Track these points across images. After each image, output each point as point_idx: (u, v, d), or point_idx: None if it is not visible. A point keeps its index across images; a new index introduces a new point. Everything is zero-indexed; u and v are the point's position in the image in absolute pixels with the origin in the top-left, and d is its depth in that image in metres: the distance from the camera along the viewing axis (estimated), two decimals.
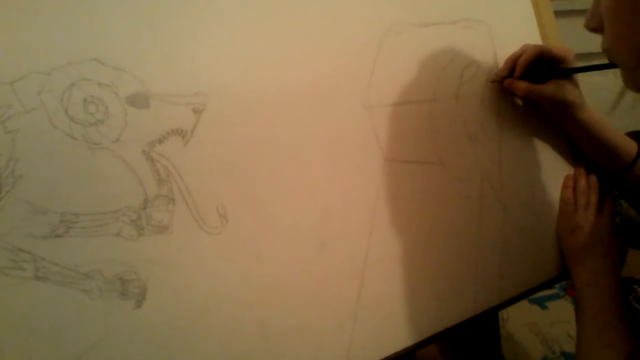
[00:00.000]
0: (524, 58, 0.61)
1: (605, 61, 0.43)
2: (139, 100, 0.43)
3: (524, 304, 1.18)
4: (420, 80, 0.58)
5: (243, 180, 0.48)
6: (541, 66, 0.61)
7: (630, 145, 0.63)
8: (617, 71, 0.42)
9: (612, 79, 0.45)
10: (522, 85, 0.61)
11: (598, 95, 0.66)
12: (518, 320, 1.16)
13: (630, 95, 0.43)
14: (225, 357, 0.45)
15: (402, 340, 0.54)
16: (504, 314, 1.16)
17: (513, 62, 0.62)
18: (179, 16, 0.46)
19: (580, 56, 0.67)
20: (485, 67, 0.64)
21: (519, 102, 0.67)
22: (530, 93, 0.61)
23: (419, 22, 0.59)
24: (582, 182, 0.67)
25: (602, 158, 0.64)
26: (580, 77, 0.63)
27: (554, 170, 0.68)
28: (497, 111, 0.64)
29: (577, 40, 0.68)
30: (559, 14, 0.73)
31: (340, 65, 0.54)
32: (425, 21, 0.60)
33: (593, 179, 0.67)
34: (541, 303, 1.21)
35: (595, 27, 0.41)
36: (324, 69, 0.53)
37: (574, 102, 0.61)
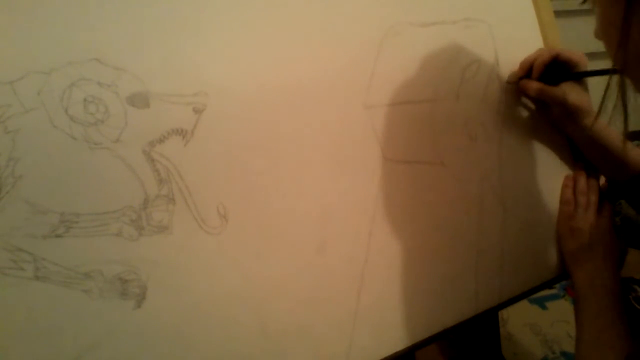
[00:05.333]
0: (540, 61, 0.61)
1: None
2: (139, 100, 0.43)
3: (524, 304, 1.18)
4: (420, 80, 0.58)
5: (243, 180, 0.47)
6: (554, 68, 0.62)
7: (638, 158, 0.62)
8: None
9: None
10: (535, 85, 0.62)
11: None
12: (518, 320, 1.16)
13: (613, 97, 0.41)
14: (225, 357, 0.45)
15: (402, 340, 0.54)
16: (504, 314, 1.16)
17: (529, 65, 0.63)
18: (179, 16, 0.46)
19: None
20: (485, 66, 0.64)
21: (520, 102, 0.67)
22: (542, 93, 0.62)
23: (420, 21, 0.59)
24: (582, 183, 0.67)
25: (604, 167, 0.64)
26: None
27: (554, 170, 0.68)
28: (498, 111, 0.64)
29: (577, 40, 0.68)
30: (559, 13, 0.73)
31: (340, 65, 0.53)
32: (426, 21, 0.60)
33: (593, 179, 0.67)
34: (541, 303, 1.22)
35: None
36: (324, 69, 0.53)
37: (582, 108, 0.61)
